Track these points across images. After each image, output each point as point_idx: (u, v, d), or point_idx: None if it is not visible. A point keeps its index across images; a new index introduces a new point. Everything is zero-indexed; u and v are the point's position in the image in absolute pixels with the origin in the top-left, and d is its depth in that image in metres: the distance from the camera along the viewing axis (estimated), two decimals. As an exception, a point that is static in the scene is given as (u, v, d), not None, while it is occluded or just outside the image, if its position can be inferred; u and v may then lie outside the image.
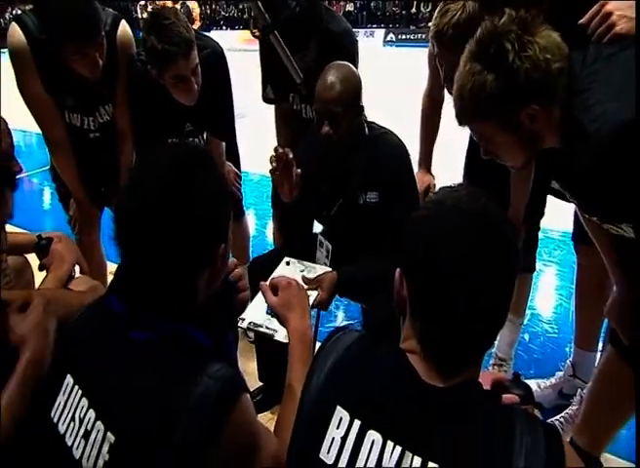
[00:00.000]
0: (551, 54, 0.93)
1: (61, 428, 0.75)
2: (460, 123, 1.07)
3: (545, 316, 2.43)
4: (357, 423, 0.67)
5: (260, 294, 1.48)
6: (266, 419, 1.68)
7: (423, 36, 17.56)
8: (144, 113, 1.81)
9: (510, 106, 0.96)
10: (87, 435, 0.72)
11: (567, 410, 1.65)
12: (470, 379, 0.70)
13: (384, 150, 1.56)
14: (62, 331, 0.86)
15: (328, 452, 0.67)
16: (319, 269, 1.58)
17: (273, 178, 1.59)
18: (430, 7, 19.19)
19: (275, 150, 1.52)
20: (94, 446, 0.70)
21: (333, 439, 0.68)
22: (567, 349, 2.10)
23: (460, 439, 0.63)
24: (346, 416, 0.68)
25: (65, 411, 0.76)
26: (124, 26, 1.74)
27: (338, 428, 0.68)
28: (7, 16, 17.01)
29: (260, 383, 1.86)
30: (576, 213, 1.44)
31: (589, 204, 1.10)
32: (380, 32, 19.14)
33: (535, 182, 1.46)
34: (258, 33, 1.67)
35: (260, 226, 3.43)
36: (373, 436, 0.66)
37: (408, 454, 0.63)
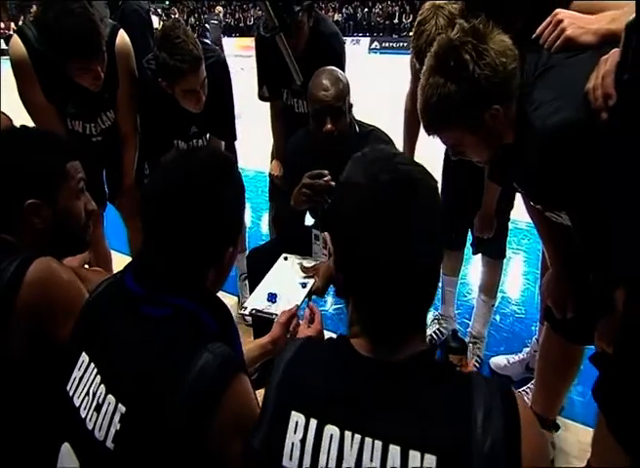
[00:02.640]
0: (505, 57, 0.93)
1: (76, 401, 0.74)
2: (429, 133, 1.06)
3: (514, 299, 2.46)
4: (313, 422, 0.61)
5: (260, 285, 1.49)
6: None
7: (405, 44, 17.51)
8: (153, 117, 1.80)
9: (474, 111, 0.96)
10: (98, 407, 0.71)
11: (531, 382, 1.68)
12: (420, 351, 0.64)
13: (375, 146, 1.54)
14: (81, 309, 0.84)
15: (290, 459, 0.61)
16: (315, 262, 1.58)
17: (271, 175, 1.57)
18: (411, 18, 19.19)
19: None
20: (105, 416, 0.70)
21: (292, 444, 0.61)
22: (533, 328, 2.13)
23: (418, 412, 0.58)
24: (302, 418, 0.62)
25: (80, 387, 0.75)
26: (122, 36, 1.71)
27: (295, 432, 0.61)
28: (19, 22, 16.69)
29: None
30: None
31: (534, 194, 1.11)
32: (365, 40, 19.07)
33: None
34: (267, 34, 1.68)
35: (255, 218, 3.41)
36: (330, 431, 0.60)
37: (368, 441, 0.58)
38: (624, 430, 0.89)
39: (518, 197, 1.79)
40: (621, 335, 0.86)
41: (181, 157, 0.82)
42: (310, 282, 1.46)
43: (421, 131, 1.95)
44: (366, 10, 20.86)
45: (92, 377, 0.74)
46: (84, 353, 0.77)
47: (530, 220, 1.35)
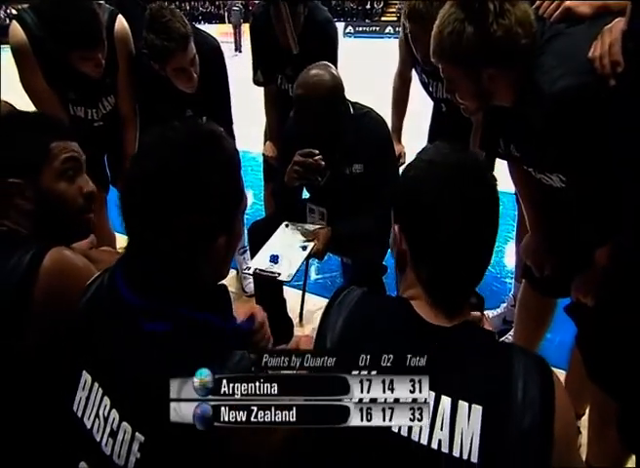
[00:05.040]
0: (522, 28, 0.90)
1: (87, 423, 0.65)
2: (433, 58, 1.03)
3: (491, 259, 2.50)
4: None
5: (263, 248, 1.48)
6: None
7: (377, 29, 17.16)
8: (149, 101, 1.73)
9: (475, 62, 0.94)
10: (113, 434, 0.61)
11: (509, 334, 1.73)
12: (470, 320, 0.67)
13: (369, 126, 1.51)
14: (75, 317, 0.72)
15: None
16: (314, 228, 1.57)
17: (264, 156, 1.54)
18: (382, 3, 18.72)
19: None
20: (122, 444, 0.60)
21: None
22: (508, 284, 2.18)
23: (471, 370, 0.61)
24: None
25: (89, 408, 0.65)
26: (121, 21, 1.61)
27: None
28: (1, 14, 15.71)
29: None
30: None
31: (533, 155, 1.09)
32: (340, 25, 18.50)
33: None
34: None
35: (250, 196, 3.37)
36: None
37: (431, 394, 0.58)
38: (601, 371, 0.92)
39: (495, 168, 1.81)
40: (604, 287, 0.88)
41: (157, 139, 0.67)
42: (310, 245, 1.46)
43: (408, 109, 1.96)
44: (340, -5, 20.28)
45: (98, 399, 0.64)
46: (85, 372, 0.67)
47: (502, 189, 1.35)
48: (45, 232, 0.87)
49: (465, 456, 0.56)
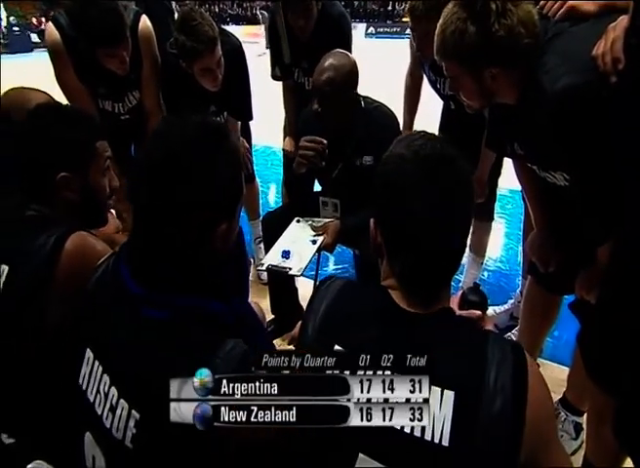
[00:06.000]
0: (525, 28, 0.88)
1: (90, 397, 0.66)
2: (436, 57, 1.01)
3: (499, 256, 2.46)
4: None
5: (276, 245, 1.49)
6: (278, 344, 1.71)
7: (399, 29, 16.87)
8: (175, 97, 1.78)
9: (478, 61, 0.92)
10: (113, 409, 0.62)
11: (515, 329, 1.70)
12: (447, 307, 0.66)
13: (379, 119, 1.50)
14: (82, 299, 0.73)
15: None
16: (324, 222, 1.57)
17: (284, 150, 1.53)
18: (404, 5, 18.41)
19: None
20: (120, 419, 0.61)
21: None
22: (517, 281, 2.13)
23: (443, 357, 0.59)
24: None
25: (91, 383, 0.66)
26: (144, 21, 1.66)
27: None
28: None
29: (272, 316, 1.88)
30: None
31: (537, 154, 1.07)
32: (361, 26, 18.33)
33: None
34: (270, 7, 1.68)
35: (265, 188, 3.36)
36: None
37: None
38: (599, 370, 0.90)
39: (504, 166, 1.78)
40: (605, 285, 0.85)
41: (167, 130, 0.68)
42: (320, 239, 1.47)
43: (420, 107, 1.94)
44: (362, -3, 20.07)
45: (99, 376, 0.65)
46: (88, 349, 0.68)
47: (512, 187, 1.33)
48: (78, 219, 0.93)
49: (437, 440, 0.55)
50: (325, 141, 1.47)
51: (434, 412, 0.56)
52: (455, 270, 0.67)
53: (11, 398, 0.81)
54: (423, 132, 0.69)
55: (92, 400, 0.65)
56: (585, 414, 1.23)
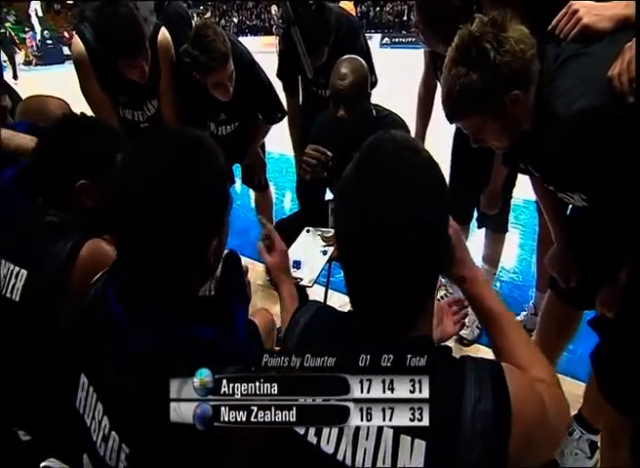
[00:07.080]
0: (524, 43, 0.86)
1: (87, 421, 0.65)
2: (451, 121, 1.00)
3: (513, 268, 2.40)
4: None
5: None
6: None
7: (413, 39, 16.87)
8: (188, 102, 1.81)
9: (496, 97, 0.89)
10: (105, 439, 0.62)
11: (529, 342, 1.65)
12: (422, 335, 0.57)
13: (390, 127, 1.49)
14: (73, 323, 0.72)
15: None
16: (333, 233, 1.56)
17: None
18: (419, 15, 18.44)
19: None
20: (112, 451, 0.61)
21: None
22: (530, 293, 2.07)
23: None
24: None
25: (87, 409, 0.65)
26: (163, 33, 1.71)
27: None
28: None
29: (284, 322, 1.88)
30: None
31: (552, 177, 1.05)
32: (377, 37, 18.41)
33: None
34: (283, 26, 1.69)
35: (279, 195, 3.36)
36: None
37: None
38: (613, 389, 0.86)
39: (519, 176, 1.74)
40: (623, 303, 0.82)
41: (146, 153, 0.64)
42: (330, 249, 1.47)
43: (432, 116, 1.92)
44: (378, 9, 20.16)
45: (94, 403, 0.64)
46: (82, 375, 0.67)
47: (527, 197, 1.31)
48: (92, 225, 0.93)
49: None
50: (330, 154, 1.47)
51: (404, 463, 0.51)
52: (419, 287, 0.56)
53: (28, 397, 0.82)
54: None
55: (88, 424, 0.65)
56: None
